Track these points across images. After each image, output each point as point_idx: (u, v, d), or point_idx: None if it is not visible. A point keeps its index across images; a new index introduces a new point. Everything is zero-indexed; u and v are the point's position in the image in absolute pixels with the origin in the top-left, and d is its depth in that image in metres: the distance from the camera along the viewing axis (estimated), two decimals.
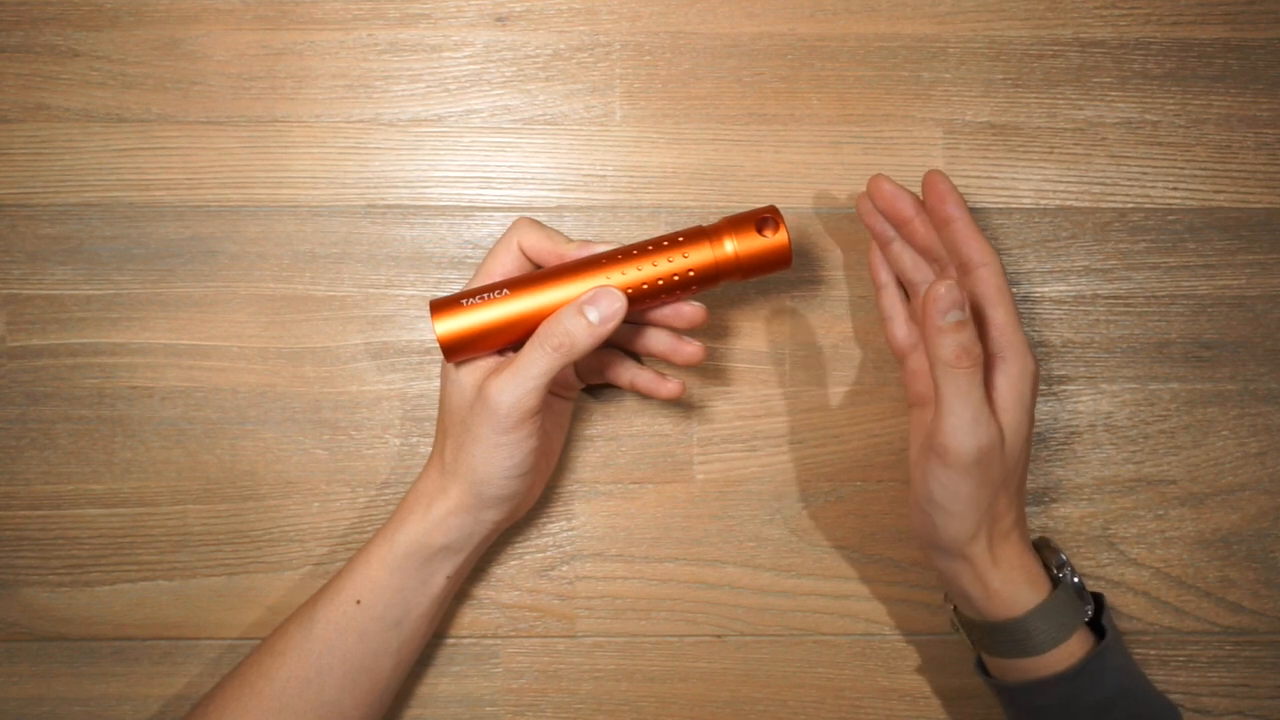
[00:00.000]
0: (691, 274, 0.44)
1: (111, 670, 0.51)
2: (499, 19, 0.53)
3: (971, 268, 0.45)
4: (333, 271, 0.52)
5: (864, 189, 0.49)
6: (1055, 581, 0.45)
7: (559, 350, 0.42)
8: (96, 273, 0.52)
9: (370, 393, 0.52)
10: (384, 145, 0.53)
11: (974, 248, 0.45)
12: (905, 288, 0.50)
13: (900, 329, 0.50)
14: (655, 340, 0.47)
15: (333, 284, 0.52)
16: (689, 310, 0.46)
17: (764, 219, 0.45)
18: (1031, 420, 0.45)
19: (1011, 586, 0.44)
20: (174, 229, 0.52)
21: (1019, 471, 0.44)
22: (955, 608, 0.48)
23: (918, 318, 0.49)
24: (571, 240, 0.45)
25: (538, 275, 0.44)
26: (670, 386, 0.47)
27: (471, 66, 0.53)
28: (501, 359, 0.45)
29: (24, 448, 0.52)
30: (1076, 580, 0.46)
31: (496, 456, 0.43)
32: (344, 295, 0.52)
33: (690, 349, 0.47)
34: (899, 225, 0.49)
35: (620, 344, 0.48)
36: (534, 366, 0.42)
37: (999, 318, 0.44)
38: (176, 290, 0.52)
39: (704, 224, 0.46)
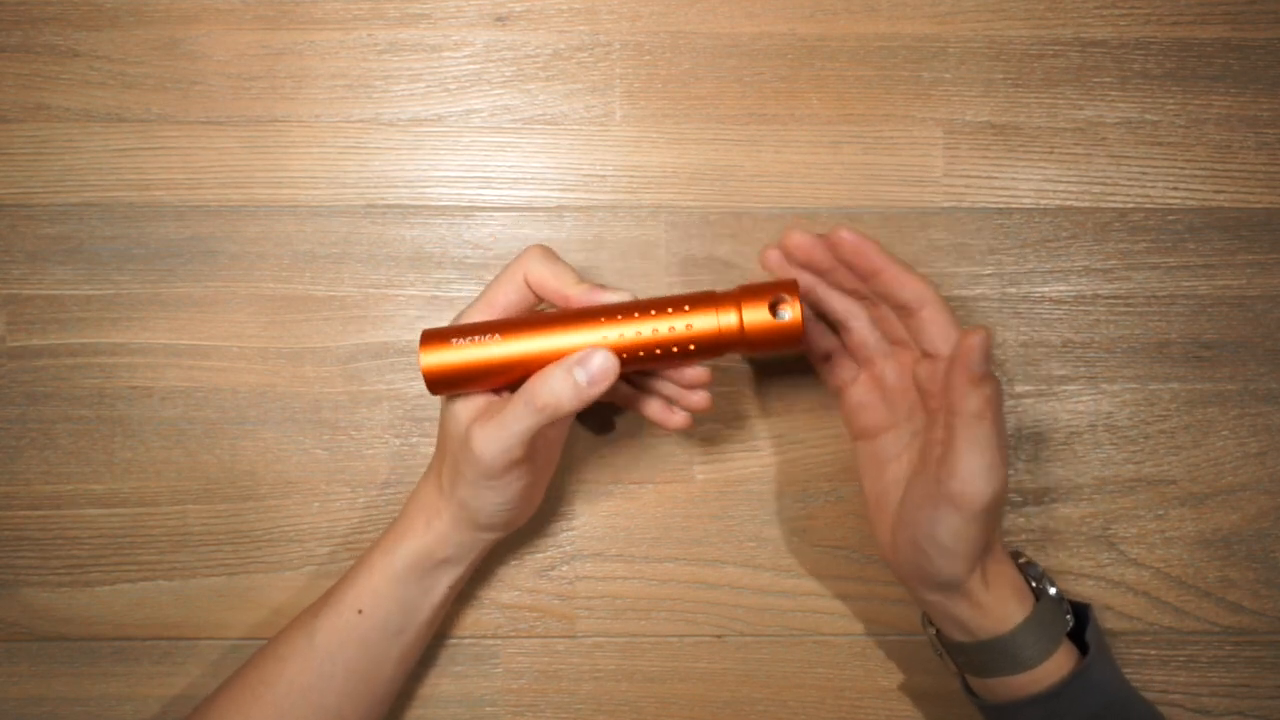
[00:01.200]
0: (692, 346, 0.42)
1: (111, 670, 0.51)
2: (499, 19, 0.53)
3: (914, 309, 0.44)
4: (333, 271, 0.52)
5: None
6: (1037, 594, 0.45)
7: (543, 411, 0.41)
8: (96, 273, 0.52)
9: (370, 393, 0.52)
10: (384, 145, 0.53)
11: (913, 291, 0.44)
12: (834, 328, 0.49)
13: (842, 368, 0.49)
14: (648, 407, 0.46)
15: (333, 284, 0.52)
16: (691, 371, 0.44)
17: (780, 297, 0.42)
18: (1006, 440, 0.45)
19: (1002, 604, 0.44)
20: (174, 229, 0.52)
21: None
22: (938, 632, 0.47)
23: (855, 351, 0.48)
24: (580, 281, 0.43)
25: (532, 320, 0.43)
26: (678, 419, 0.46)
27: (471, 66, 0.53)
28: (494, 399, 0.44)
29: (24, 448, 0.52)
30: (1054, 590, 0.46)
31: (485, 496, 0.43)
32: (344, 295, 0.52)
33: (679, 418, 0.46)
34: (823, 275, 0.46)
35: (616, 402, 0.48)
36: (518, 424, 0.41)
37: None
38: (176, 290, 0.52)
39: (716, 290, 0.43)
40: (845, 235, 0.44)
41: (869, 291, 0.46)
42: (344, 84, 0.53)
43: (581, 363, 0.41)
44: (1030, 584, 0.45)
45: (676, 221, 0.53)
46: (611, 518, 0.52)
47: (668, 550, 0.52)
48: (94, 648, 0.52)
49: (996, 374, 0.52)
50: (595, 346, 0.42)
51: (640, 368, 0.43)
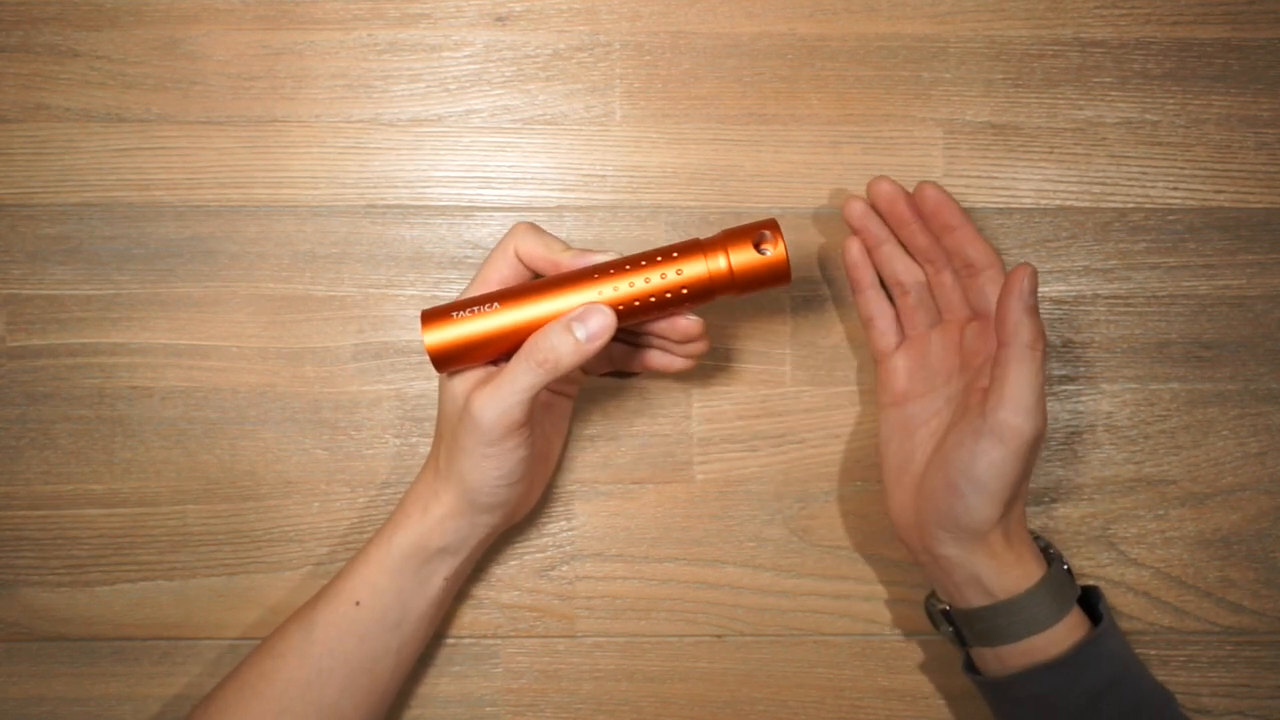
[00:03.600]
0: (685, 290, 0.43)
1: (111, 670, 0.51)
2: (499, 19, 0.53)
3: (978, 269, 0.47)
4: (333, 271, 0.52)
5: (861, 191, 0.49)
6: (1049, 559, 0.46)
7: (543, 366, 0.41)
8: (96, 273, 0.52)
9: (370, 393, 0.52)
10: (384, 145, 0.53)
11: (981, 251, 0.47)
12: (889, 290, 0.50)
13: (887, 331, 0.50)
14: (650, 358, 0.47)
15: (333, 284, 0.52)
16: (684, 324, 0.45)
17: (762, 234, 0.44)
18: None
19: (1023, 560, 0.45)
20: (174, 229, 0.52)
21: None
22: (946, 608, 0.48)
23: (907, 318, 0.50)
24: (568, 248, 0.44)
25: (529, 287, 0.44)
26: (680, 362, 0.47)
27: (471, 66, 0.53)
28: (492, 369, 0.44)
29: (24, 448, 0.52)
30: (1065, 562, 0.47)
31: (485, 467, 0.43)
32: (344, 295, 0.52)
33: (680, 361, 0.47)
34: (898, 227, 0.49)
35: (615, 364, 0.48)
36: (518, 381, 0.42)
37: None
38: (176, 290, 0.52)
39: (700, 236, 0.45)
40: (929, 190, 0.47)
41: (936, 251, 0.48)
42: (344, 84, 0.53)
43: (579, 319, 0.42)
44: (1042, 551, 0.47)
45: (676, 221, 0.53)
46: (611, 518, 0.52)
47: (668, 550, 0.52)
48: (94, 648, 0.52)
49: None
50: (591, 303, 0.43)
51: (636, 320, 0.44)
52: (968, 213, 0.48)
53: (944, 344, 0.49)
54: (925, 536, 0.46)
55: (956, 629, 0.48)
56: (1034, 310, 0.43)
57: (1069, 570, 0.47)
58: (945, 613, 0.48)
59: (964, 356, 0.48)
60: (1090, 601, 0.46)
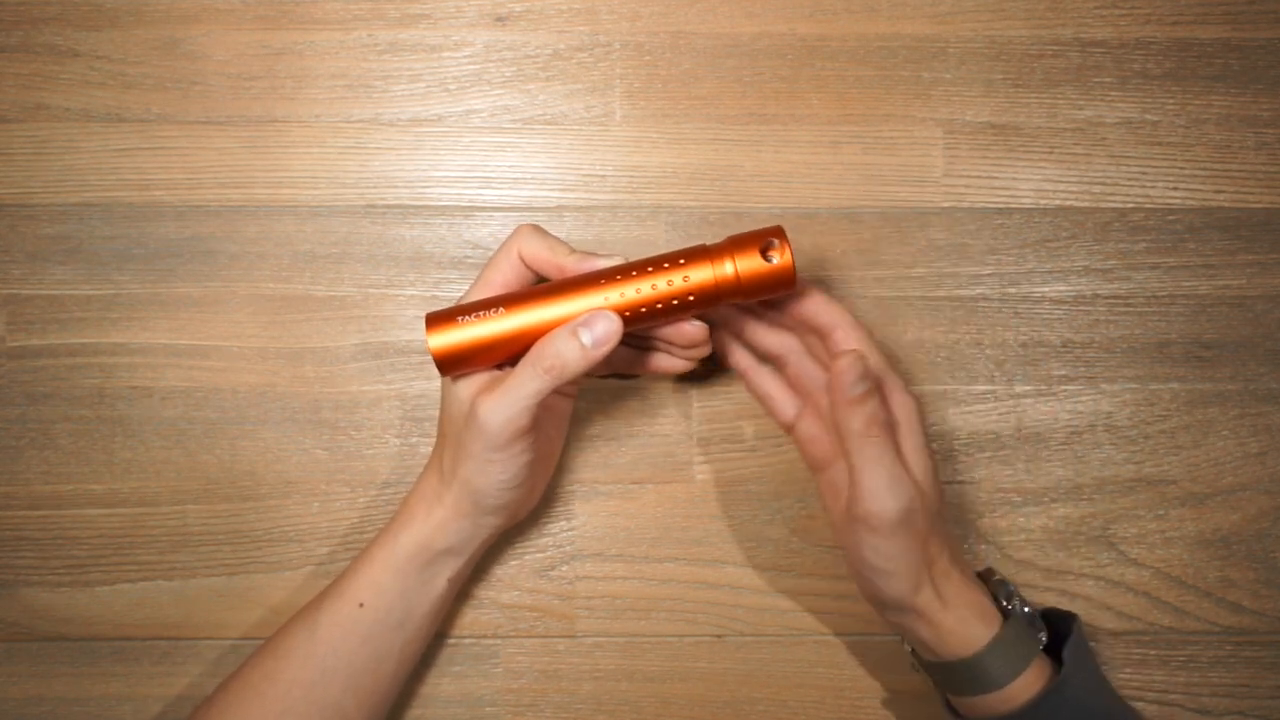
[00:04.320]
0: (691, 297, 0.43)
1: (111, 670, 0.51)
2: (499, 19, 0.53)
3: (828, 331, 0.46)
4: (333, 271, 0.52)
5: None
6: (1005, 613, 0.45)
7: (550, 373, 0.41)
8: (96, 273, 0.52)
9: (370, 393, 0.52)
10: (384, 145, 0.53)
11: (822, 314, 0.46)
12: (772, 364, 0.49)
13: (784, 403, 0.49)
14: (652, 360, 0.47)
15: (333, 284, 0.52)
16: (689, 329, 0.45)
17: (769, 241, 0.43)
18: (932, 453, 0.45)
19: (964, 625, 0.44)
20: (174, 229, 0.52)
21: (938, 508, 0.45)
22: (913, 650, 0.47)
23: (796, 385, 0.49)
24: (572, 250, 0.44)
25: (534, 292, 0.44)
26: (684, 363, 0.47)
27: (471, 66, 0.53)
28: (497, 374, 0.44)
29: (24, 448, 0.52)
30: (1026, 610, 0.45)
31: (490, 471, 0.43)
32: (344, 295, 0.52)
33: (684, 363, 0.47)
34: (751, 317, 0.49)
35: (617, 366, 0.48)
36: (524, 387, 0.42)
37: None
38: (176, 290, 0.52)
39: (701, 236, 0.45)
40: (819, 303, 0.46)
41: (793, 321, 0.48)
42: (344, 84, 0.53)
43: (586, 325, 0.42)
44: (1001, 603, 0.45)
45: (676, 221, 0.53)
46: (611, 518, 0.52)
47: (668, 550, 0.52)
48: (94, 648, 0.52)
49: (996, 375, 0.52)
50: (598, 309, 0.42)
51: (641, 326, 0.44)
52: (807, 283, 0.47)
53: None
54: (870, 603, 0.46)
55: (918, 670, 0.48)
56: (860, 399, 0.43)
57: (1033, 617, 0.45)
58: (910, 654, 0.48)
59: None
60: (1058, 639, 0.45)
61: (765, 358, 0.49)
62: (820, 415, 0.48)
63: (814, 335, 0.47)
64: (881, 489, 0.42)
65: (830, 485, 0.48)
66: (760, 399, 0.50)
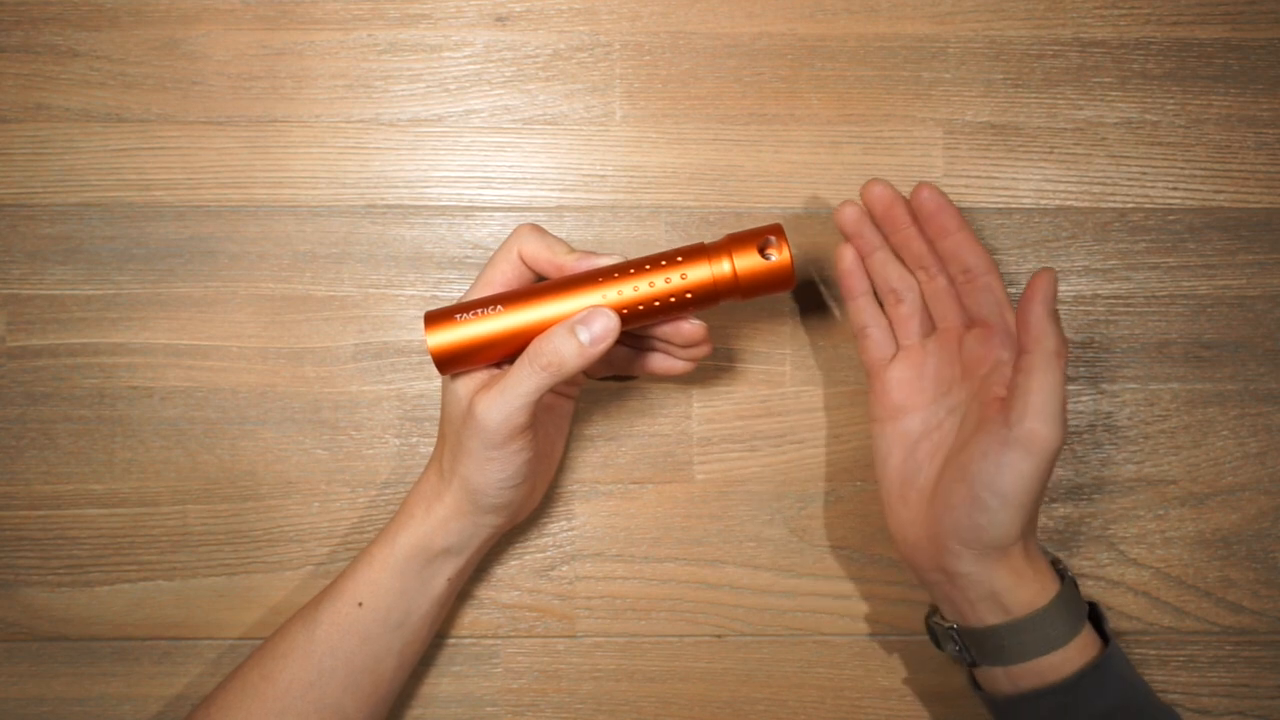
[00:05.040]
0: (689, 295, 0.43)
1: (111, 670, 0.51)
2: (499, 19, 0.53)
3: (975, 275, 0.46)
4: (333, 271, 0.52)
5: (858, 193, 0.49)
6: (1060, 575, 0.46)
7: (547, 370, 0.41)
8: (96, 273, 0.52)
9: (370, 393, 0.52)
10: (384, 145, 0.53)
11: (979, 256, 0.46)
12: (881, 298, 0.49)
13: (882, 341, 0.49)
14: (651, 361, 0.47)
15: (333, 284, 0.52)
16: (688, 328, 0.45)
17: (767, 239, 0.44)
18: None
19: (1040, 575, 0.44)
20: (174, 229, 0.52)
21: None
22: (953, 626, 0.47)
23: (899, 328, 0.49)
24: (572, 250, 0.44)
25: (533, 290, 0.44)
26: (682, 365, 0.47)
27: (471, 66, 0.53)
28: (495, 372, 0.44)
29: (24, 448, 0.52)
30: (1070, 575, 0.46)
31: (489, 469, 0.43)
32: (344, 295, 0.52)
33: (682, 364, 0.47)
34: (893, 232, 0.48)
35: (616, 367, 0.48)
36: (522, 385, 0.42)
37: (1012, 320, 0.46)
38: (176, 290, 0.52)
39: (701, 236, 0.45)
40: (927, 192, 0.46)
41: (930, 257, 0.47)
42: (344, 84, 0.53)
43: (583, 322, 0.42)
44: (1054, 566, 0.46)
45: (676, 221, 0.53)
46: (611, 518, 0.52)
47: (668, 550, 0.52)
48: (94, 648, 0.52)
49: None
50: (595, 306, 0.42)
51: (640, 324, 0.44)
52: (965, 216, 0.47)
53: (941, 353, 0.48)
54: (939, 554, 0.45)
55: (964, 647, 0.47)
56: (1057, 316, 0.43)
57: (1076, 585, 0.46)
58: (952, 631, 0.47)
59: (965, 365, 0.47)
60: (1095, 618, 0.46)
61: (881, 290, 0.49)
62: (917, 361, 0.48)
63: (955, 273, 0.47)
64: (1055, 413, 0.42)
65: (903, 437, 0.48)
66: (857, 329, 0.49)
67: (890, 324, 0.49)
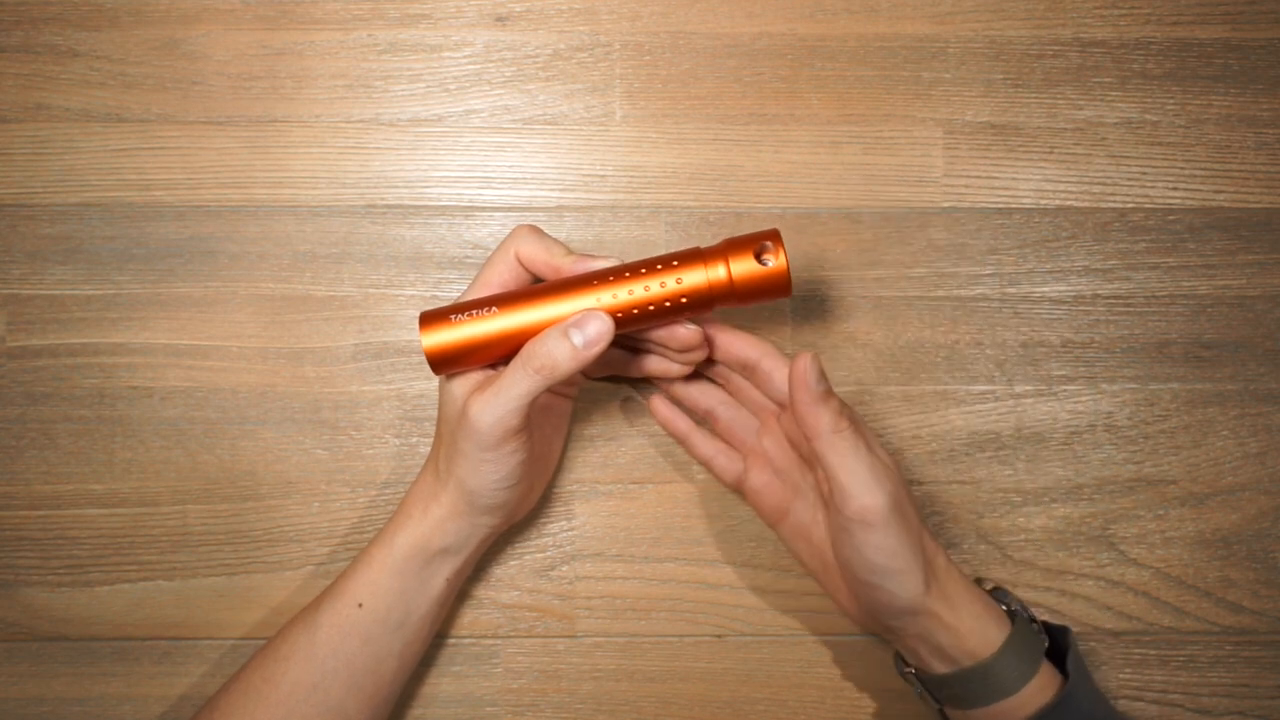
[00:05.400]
0: (684, 299, 0.43)
1: (111, 670, 0.51)
2: (499, 19, 0.53)
3: (754, 363, 0.46)
4: (333, 271, 0.52)
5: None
6: (1011, 616, 0.45)
7: (540, 373, 0.41)
8: (96, 273, 0.52)
9: (370, 393, 0.52)
10: (384, 145, 0.53)
11: (745, 346, 0.46)
12: (703, 420, 0.50)
13: (728, 460, 0.49)
14: (648, 364, 0.47)
15: (333, 284, 0.52)
16: (684, 333, 0.45)
17: (763, 245, 0.43)
18: (889, 452, 0.45)
19: (979, 623, 0.43)
20: (174, 229, 0.52)
21: (915, 505, 0.45)
22: (914, 671, 0.47)
23: (731, 438, 0.49)
24: (569, 252, 0.44)
25: (527, 292, 0.44)
26: (678, 368, 0.47)
27: (471, 66, 0.53)
28: (490, 373, 0.44)
29: (24, 448, 0.52)
30: (1026, 612, 0.45)
31: (483, 471, 0.43)
32: (344, 295, 0.52)
33: (679, 368, 0.47)
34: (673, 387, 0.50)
35: (614, 369, 0.48)
36: (515, 387, 0.42)
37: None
38: (176, 290, 0.52)
39: (701, 236, 0.45)
40: (683, 334, 0.45)
41: (715, 366, 0.48)
42: (344, 84, 0.53)
43: (577, 325, 0.42)
44: (1003, 606, 0.45)
45: (676, 221, 0.53)
46: (611, 518, 0.52)
47: (668, 550, 0.52)
48: (94, 648, 0.52)
49: (996, 375, 0.52)
50: (589, 310, 0.42)
51: (635, 328, 0.44)
52: (716, 323, 0.47)
53: (775, 444, 0.48)
54: (877, 623, 0.46)
55: (925, 691, 0.47)
56: (825, 396, 0.42)
57: (1032, 620, 0.45)
58: (911, 675, 0.47)
59: (795, 447, 0.48)
60: (1059, 647, 0.45)
61: (695, 417, 0.50)
62: (764, 462, 0.48)
63: (739, 372, 0.48)
64: (867, 481, 0.42)
65: (797, 530, 0.48)
66: (704, 463, 0.50)
67: (725, 440, 0.50)
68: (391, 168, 0.52)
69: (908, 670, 0.47)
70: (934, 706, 0.47)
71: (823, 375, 0.42)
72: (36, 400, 0.52)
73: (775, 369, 0.46)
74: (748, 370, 0.47)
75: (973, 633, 0.43)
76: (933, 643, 0.44)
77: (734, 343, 0.47)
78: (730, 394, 0.50)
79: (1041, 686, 0.43)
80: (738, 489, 0.50)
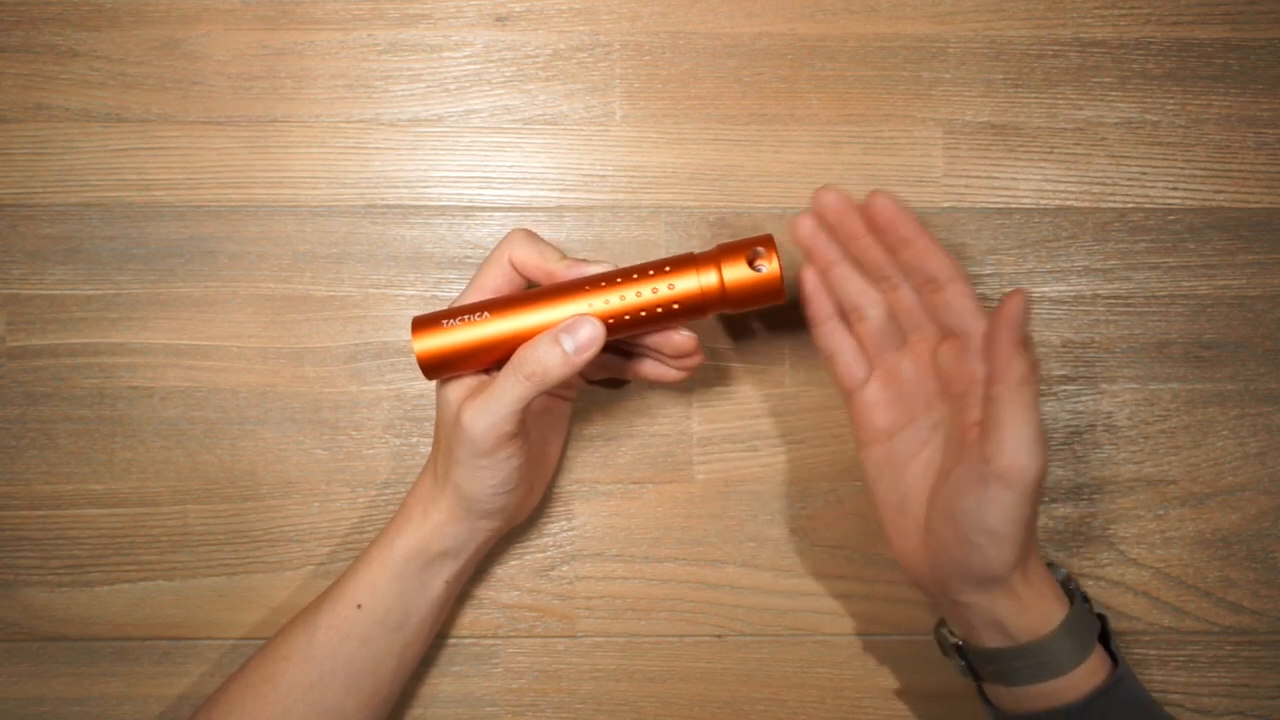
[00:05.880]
0: (676, 305, 0.43)
1: (111, 670, 0.51)
2: (499, 19, 0.53)
3: (941, 285, 0.43)
4: (333, 271, 0.52)
5: (862, 192, 0.48)
6: (1070, 596, 0.44)
7: (531, 379, 0.41)
8: (96, 273, 0.52)
9: (370, 393, 0.52)
10: (384, 145, 0.53)
11: (942, 264, 0.43)
12: (845, 315, 0.46)
13: (852, 364, 0.46)
14: (644, 368, 0.47)
15: (333, 284, 0.52)
16: (678, 339, 0.44)
17: (756, 250, 0.43)
18: None
19: (1044, 601, 0.42)
20: (174, 229, 0.52)
21: None
22: (959, 642, 0.46)
23: (867, 345, 0.46)
24: (564, 257, 0.44)
25: (519, 297, 0.44)
26: (673, 373, 0.47)
27: (471, 66, 0.53)
28: (484, 379, 0.44)
29: (24, 448, 0.52)
30: (1082, 592, 0.45)
31: (479, 476, 0.43)
32: (344, 295, 0.52)
33: (674, 373, 0.46)
34: (848, 242, 0.45)
35: (611, 372, 0.48)
36: (507, 394, 0.41)
37: (984, 329, 0.43)
38: (176, 290, 0.52)
39: (700, 237, 0.45)
40: (881, 200, 0.43)
41: (892, 267, 0.44)
42: (344, 84, 0.53)
43: (568, 330, 0.42)
44: (1065, 586, 0.45)
45: (676, 221, 0.53)
46: (611, 518, 0.52)
47: (668, 550, 0.52)
48: (94, 648, 0.52)
49: None
50: (581, 315, 0.42)
51: (628, 333, 0.44)
52: (923, 223, 0.43)
53: (916, 369, 0.45)
54: (941, 585, 0.44)
55: (969, 664, 0.46)
56: (1025, 342, 0.40)
57: (1088, 603, 0.45)
58: (959, 647, 0.46)
59: (942, 381, 0.45)
60: (1105, 634, 0.44)
61: (845, 308, 0.46)
62: (891, 380, 0.45)
63: (918, 284, 0.44)
64: (1030, 443, 0.40)
65: (890, 458, 0.45)
66: (826, 355, 0.46)
67: (860, 343, 0.46)
68: (391, 168, 0.52)
69: (954, 641, 0.46)
70: (972, 682, 0.46)
71: (1026, 320, 0.40)
72: (36, 400, 0.52)
73: (958, 299, 0.43)
74: (931, 285, 0.43)
75: (1035, 610, 0.42)
76: (993, 615, 0.43)
77: (929, 256, 0.43)
78: (890, 302, 0.45)
79: (1092, 670, 0.42)
80: (847, 395, 0.46)
